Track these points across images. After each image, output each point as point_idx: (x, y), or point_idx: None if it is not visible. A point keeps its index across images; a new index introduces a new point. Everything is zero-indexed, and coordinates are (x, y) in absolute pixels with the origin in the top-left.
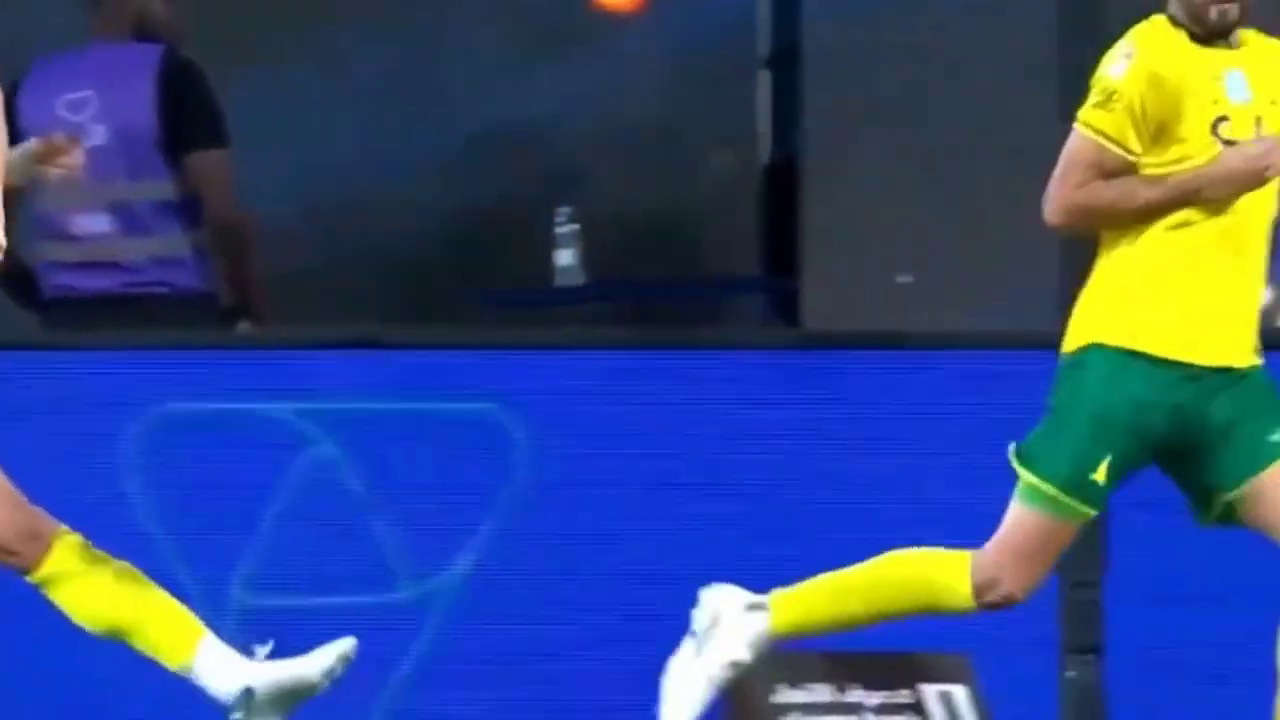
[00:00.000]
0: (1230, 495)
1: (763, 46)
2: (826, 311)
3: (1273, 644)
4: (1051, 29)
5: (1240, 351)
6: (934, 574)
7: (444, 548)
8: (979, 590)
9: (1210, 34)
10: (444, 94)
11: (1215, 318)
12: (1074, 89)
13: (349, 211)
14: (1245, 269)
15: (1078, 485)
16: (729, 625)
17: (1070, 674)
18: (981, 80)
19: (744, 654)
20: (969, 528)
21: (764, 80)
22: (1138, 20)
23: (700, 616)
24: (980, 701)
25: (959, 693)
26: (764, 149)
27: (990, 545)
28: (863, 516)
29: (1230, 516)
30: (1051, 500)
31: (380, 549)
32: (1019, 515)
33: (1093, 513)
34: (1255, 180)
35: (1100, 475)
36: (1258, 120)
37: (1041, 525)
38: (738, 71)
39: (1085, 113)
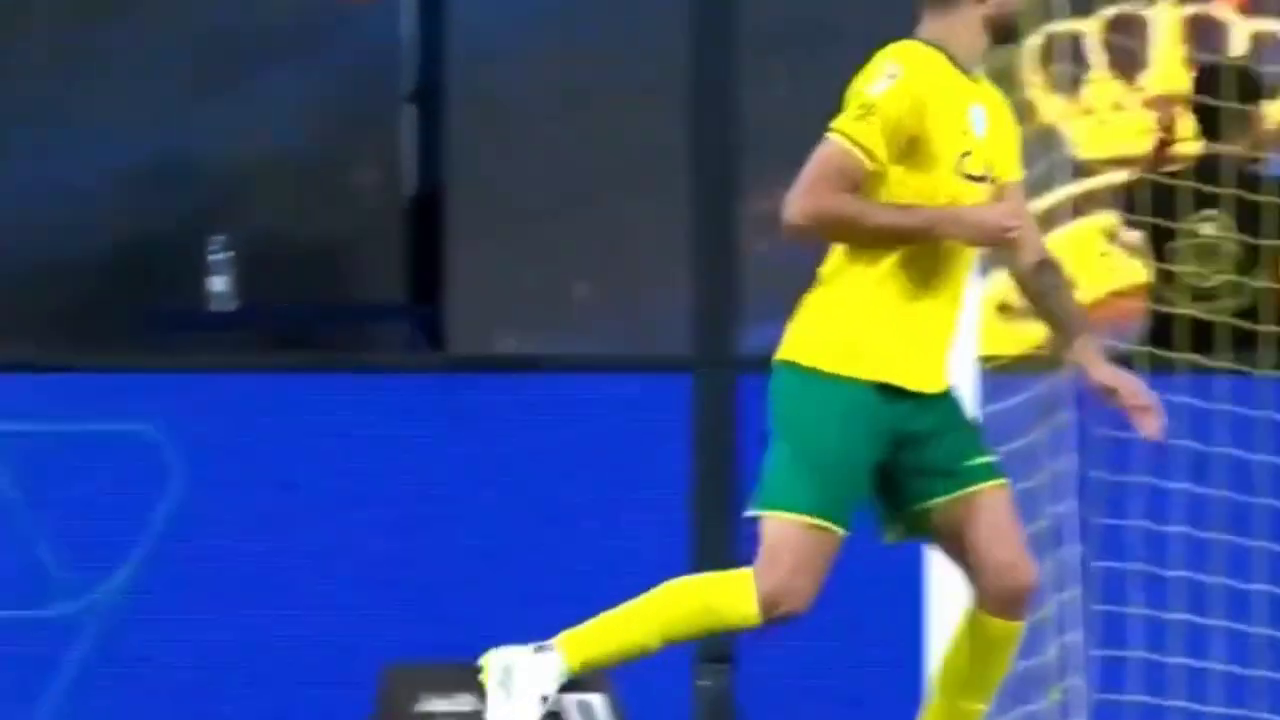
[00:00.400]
0: (923, 506)
1: (409, 80)
2: (471, 336)
3: (902, 655)
4: (683, 61)
5: (942, 377)
6: (715, 600)
7: (100, 564)
8: (765, 608)
9: (999, 43)
10: (103, 121)
11: (925, 346)
12: (705, 120)
13: (5, 235)
14: (950, 304)
15: (840, 518)
16: (526, 668)
17: (703, 683)
18: (617, 111)
19: (551, 688)
20: (609, 555)
21: (410, 113)
22: (767, 54)
23: (490, 677)
24: (618, 709)
25: (597, 701)
26: (410, 179)
27: (767, 565)
28: (500, 537)
29: (914, 533)
30: (818, 530)
31: (38, 565)
32: (786, 537)
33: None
34: (995, 238)
35: (850, 505)
36: (989, 165)
37: (813, 544)
38: (385, 104)
39: (841, 122)
